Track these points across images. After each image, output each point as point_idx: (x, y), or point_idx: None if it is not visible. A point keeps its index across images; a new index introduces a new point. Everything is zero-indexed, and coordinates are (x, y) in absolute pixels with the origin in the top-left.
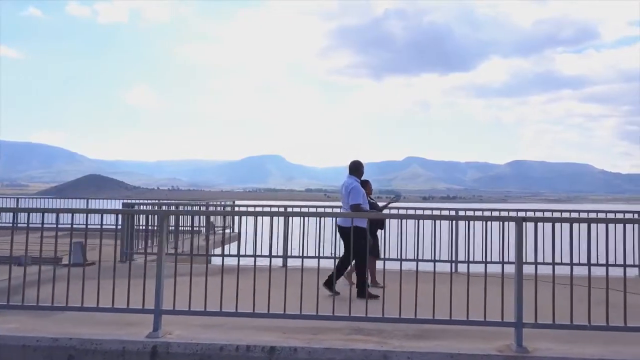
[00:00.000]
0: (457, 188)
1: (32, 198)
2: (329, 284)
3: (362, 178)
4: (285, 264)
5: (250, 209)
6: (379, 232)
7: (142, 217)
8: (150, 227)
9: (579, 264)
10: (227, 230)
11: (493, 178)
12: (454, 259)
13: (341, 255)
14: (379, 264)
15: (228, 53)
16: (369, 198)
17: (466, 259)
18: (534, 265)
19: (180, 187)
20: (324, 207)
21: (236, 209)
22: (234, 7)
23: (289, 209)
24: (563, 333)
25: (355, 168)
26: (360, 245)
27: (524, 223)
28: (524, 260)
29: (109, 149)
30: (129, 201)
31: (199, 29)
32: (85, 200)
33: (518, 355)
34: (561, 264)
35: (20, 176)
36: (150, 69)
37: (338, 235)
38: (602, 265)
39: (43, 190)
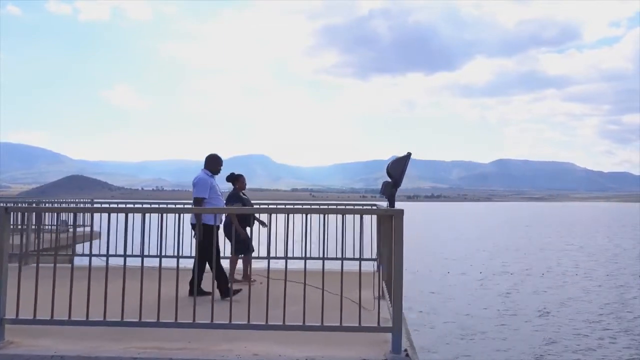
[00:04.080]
0: (442, 187)
1: None
2: (196, 287)
3: (237, 173)
4: (72, 262)
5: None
6: (248, 229)
7: None
8: None
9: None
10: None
11: (478, 177)
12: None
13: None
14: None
15: (212, 52)
16: (241, 194)
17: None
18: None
19: (165, 187)
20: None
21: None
22: (218, 6)
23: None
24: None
25: (209, 161)
26: (207, 242)
27: (7, 213)
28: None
29: (93, 150)
30: None
31: (183, 27)
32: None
33: None
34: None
35: (1, 177)
36: (133, 68)
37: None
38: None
39: (25, 192)
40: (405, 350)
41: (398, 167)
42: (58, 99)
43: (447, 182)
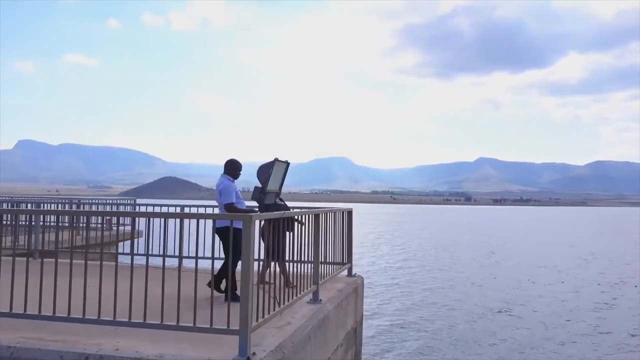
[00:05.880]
0: (532, 190)
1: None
2: (217, 286)
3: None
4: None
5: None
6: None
7: None
8: None
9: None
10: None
11: (572, 180)
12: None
13: (223, 258)
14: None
15: (292, 56)
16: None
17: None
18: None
19: (250, 188)
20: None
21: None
22: (296, 10)
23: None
24: None
25: (229, 167)
26: (237, 246)
27: None
28: None
29: (184, 152)
30: None
31: (263, 33)
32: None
33: None
34: None
35: (103, 178)
36: (218, 73)
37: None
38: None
39: (124, 192)
40: (254, 353)
41: (264, 172)
42: (152, 104)
43: (538, 186)
